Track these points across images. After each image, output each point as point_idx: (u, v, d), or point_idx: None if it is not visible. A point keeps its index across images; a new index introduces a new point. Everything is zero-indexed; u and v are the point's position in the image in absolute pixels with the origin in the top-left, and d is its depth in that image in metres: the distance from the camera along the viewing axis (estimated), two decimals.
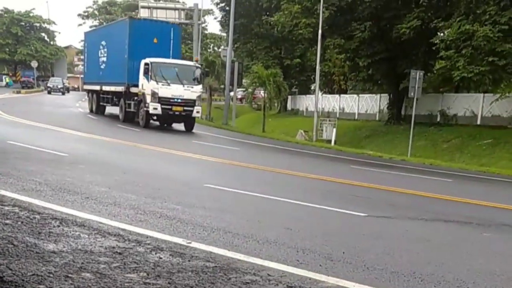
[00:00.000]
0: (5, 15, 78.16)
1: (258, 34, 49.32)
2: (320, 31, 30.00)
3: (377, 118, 37.02)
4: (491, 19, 23.97)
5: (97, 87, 31.66)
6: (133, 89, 25.92)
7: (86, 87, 36.19)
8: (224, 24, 53.62)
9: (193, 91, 24.18)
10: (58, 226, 5.90)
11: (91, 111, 33.49)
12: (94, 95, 33.05)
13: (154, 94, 23.61)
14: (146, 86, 24.10)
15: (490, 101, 27.94)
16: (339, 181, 12.85)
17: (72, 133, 19.53)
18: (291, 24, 34.26)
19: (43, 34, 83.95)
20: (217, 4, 52.06)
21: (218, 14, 55.17)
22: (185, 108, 24.11)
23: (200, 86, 25.36)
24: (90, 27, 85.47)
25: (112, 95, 29.39)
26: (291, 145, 25.31)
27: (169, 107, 23.86)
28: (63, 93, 62.52)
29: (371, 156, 22.68)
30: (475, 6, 25.27)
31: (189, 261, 5.07)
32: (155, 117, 25.11)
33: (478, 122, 28.48)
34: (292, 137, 31.79)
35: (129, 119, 26.81)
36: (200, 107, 25.30)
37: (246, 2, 46.94)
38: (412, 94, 24.62)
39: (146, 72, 23.90)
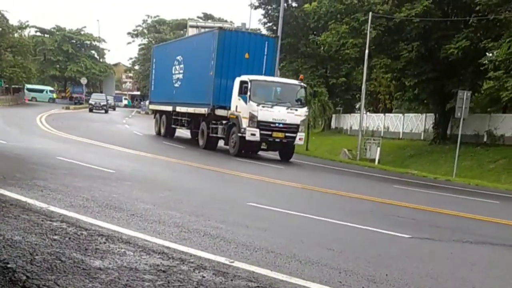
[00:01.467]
0: (57, 32, 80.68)
1: (304, 54, 49.38)
2: (367, 51, 29.97)
3: (422, 138, 36.56)
4: None
5: (169, 108, 28.33)
6: (219, 112, 22.86)
7: (153, 107, 32.49)
8: None
9: (297, 115, 20.95)
10: (105, 242, 6.00)
11: (159, 133, 30.35)
12: (164, 116, 29.69)
13: (252, 118, 20.54)
14: (242, 108, 21.06)
15: None
16: (383, 201, 12.72)
17: (120, 150, 19.88)
18: (338, 44, 34.33)
19: (93, 52, 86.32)
20: (265, 23, 52.45)
21: (265, 33, 55.34)
22: (287, 134, 20.94)
23: (305, 109, 22.05)
24: (139, 45, 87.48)
25: (189, 117, 26.31)
26: (334, 164, 25.20)
27: (269, 132, 20.75)
28: (106, 111, 57.49)
29: (415, 176, 22.43)
30: None
31: (231, 280, 5.08)
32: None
33: None
34: (336, 155, 31.64)
35: (212, 145, 24.00)
36: (303, 134, 21.96)
37: (293, 22, 47.10)
38: (459, 114, 24.27)
39: (243, 92, 20.83)
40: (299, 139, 21.39)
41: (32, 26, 79.18)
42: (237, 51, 23.04)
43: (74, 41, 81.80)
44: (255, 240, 6.91)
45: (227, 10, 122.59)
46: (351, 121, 47.72)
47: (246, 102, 20.71)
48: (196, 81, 25.17)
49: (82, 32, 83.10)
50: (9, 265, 4.77)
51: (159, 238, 6.46)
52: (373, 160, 29.67)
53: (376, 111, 49.84)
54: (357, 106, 52.15)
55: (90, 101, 59.64)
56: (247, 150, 22.48)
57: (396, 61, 31.99)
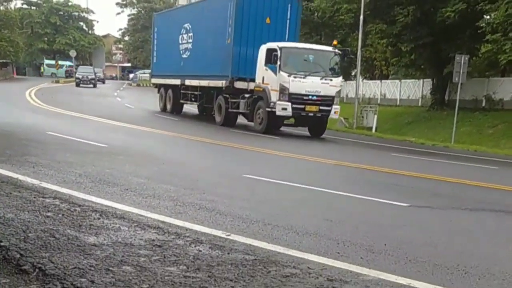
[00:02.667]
0: (44, 4, 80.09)
1: None
2: (361, 16, 29.54)
3: (419, 104, 36.45)
4: None
5: (176, 81, 26.29)
6: (239, 84, 21.01)
7: (156, 80, 30.16)
8: None
9: (332, 85, 19.13)
10: (99, 218, 5.93)
11: (164, 110, 28.17)
12: (170, 91, 27.51)
13: (283, 90, 18.65)
14: (270, 79, 19.20)
15: None
16: (380, 170, 12.64)
17: (112, 124, 19.77)
18: (332, 9, 33.94)
19: (81, 23, 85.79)
20: None
21: None
22: (321, 107, 19.11)
23: (340, 79, 20.26)
24: (129, 15, 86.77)
25: (201, 91, 24.40)
26: (331, 133, 24.99)
27: (302, 106, 18.87)
28: (94, 85, 53.34)
29: (413, 143, 22.39)
30: None
31: (228, 254, 5.03)
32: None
33: None
34: (332, 124, 31.36)
35: (231, 121, 22.15)
36: (339, 106, 19.84)
37: None
38: (456, 79, 24.02)
39: (271, 61, 18.93)
40: (335, 112, 19.54)
41: None
42: (257, 16, 20.99)
43: (61, 13, 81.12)
44: (252, 212, 6.85)
45: None
46: (347, 89, 47.35)
47: (275, 72, 18.93)
48: (209, 50, 23.12)
49: (70, 3, 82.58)
50: (2, 243, 4.72)
51: (154, 213, 6.38)
52: (370, 128, 29.49)
53: (372, 77, 49.50)
54: (353, 73, 51.85)
55: (76, 75, 55.68)
56: (272, 126, 20.48)
57: (391, 26, 31.63)
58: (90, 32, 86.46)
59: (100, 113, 22.93)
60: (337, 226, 6.59)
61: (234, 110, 21.64)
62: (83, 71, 56.41)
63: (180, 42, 26.07)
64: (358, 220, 7.25)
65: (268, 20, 21.03)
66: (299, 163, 13.30)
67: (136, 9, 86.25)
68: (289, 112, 18.94)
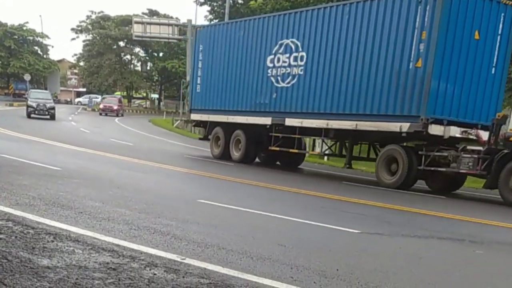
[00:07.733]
0: None
1: None
2: None
3: None
4: None
5: (261, 119, 19.72)
6: (433, 129, 15.00)
7: (204, 116, 22.89)
8: None
9: None
10: (52, 241, 5.87)
11: (222, 157, 21.29)
12: (240, 132, 20.68)
13: None
14: None
15: None
16: (332, 197, 12.85)
17: (66, 147, 19.53)
18: None
19: (36, 48, 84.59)
20: (211, 20, 52.38)
21: None
22: None
23: None
24: (84, 41, 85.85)
25: (335, 134, 18.51)
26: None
27: None
28: (52, 116, 41.24)
29: (364, 172, 22.69)
30: None
31: (183, 277, 5.04)
32: None
33: None
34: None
35: (410, 182, 16.23)
36: None
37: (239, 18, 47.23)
38: None
39: None
40: None
41: None
42: (464, 28, 15.08)
43: (16, 37, 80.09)
44: (206, 237, 6.88)
45: (172, 6, 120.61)
46: None
47: None
48: (355, 77, 16.85)
49: (25, 28, 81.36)
50: None
51: (109, 236, 6.36)
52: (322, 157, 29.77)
53: None
54: None
55: (29, 102, 41.99)
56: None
57: None
58: (45, 56, 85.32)
59: (54, 136, 22.71)
60: (290, 251, 6.66)
61: (438, 169, 15.50)
62: (37, 96, 43.10)
63: (270, 65, 19.56)
64: (311, 245, 7.34)
65: (477, 35, 15.36)
66: (250, 189, 13.35)
67: (91, 35, 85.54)
68: None
